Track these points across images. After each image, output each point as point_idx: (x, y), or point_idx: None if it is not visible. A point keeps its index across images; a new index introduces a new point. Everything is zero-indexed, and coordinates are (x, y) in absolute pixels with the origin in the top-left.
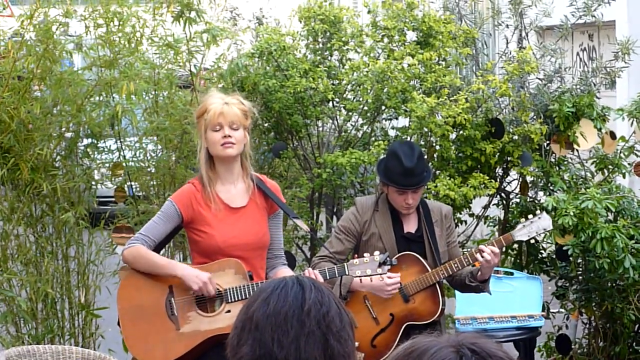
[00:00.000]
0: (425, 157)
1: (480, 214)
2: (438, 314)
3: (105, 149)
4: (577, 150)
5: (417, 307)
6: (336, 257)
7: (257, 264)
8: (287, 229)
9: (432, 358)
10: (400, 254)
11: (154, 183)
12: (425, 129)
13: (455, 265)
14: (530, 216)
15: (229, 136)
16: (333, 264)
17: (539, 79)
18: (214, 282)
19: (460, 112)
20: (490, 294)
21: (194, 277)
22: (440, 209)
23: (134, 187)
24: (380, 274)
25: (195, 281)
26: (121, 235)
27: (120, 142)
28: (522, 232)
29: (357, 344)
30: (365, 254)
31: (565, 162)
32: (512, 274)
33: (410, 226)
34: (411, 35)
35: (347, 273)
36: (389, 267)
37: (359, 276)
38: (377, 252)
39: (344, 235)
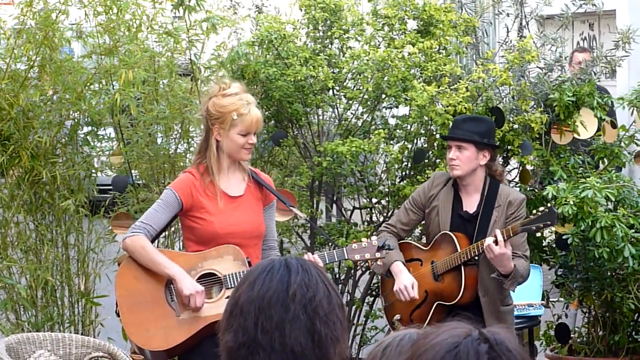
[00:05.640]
0: (426, 145)
1: None
2: (459, 297)
3: (105, 137)
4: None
5: (444, 287)
6: (397, 227)
7: (253, 253)
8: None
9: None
10: (441, 233)
11: (154, 171)
12: (426, 118)
13: (473, 250)
14: (541, 208)
15: (253, 143)
16: (394, 233)
17: (540, 67)
18: (204, 298)
19: (461, 101)
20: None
21: (189, 284)
22: (509, 194)
23: (133, 174)
24: (379, 258)
25: (188, 288)
26: (121, 224)
27: (120, 130)
28: (528, 225)
29: (399, 316)
30: (363, 239)
31: (566, 151)
32: None
33: (471, 206)
34: (412, 24)
35: (346, 257)
36: (386, 251)
37: (358, 260)
38: (374, 237)
39: (410, 206)
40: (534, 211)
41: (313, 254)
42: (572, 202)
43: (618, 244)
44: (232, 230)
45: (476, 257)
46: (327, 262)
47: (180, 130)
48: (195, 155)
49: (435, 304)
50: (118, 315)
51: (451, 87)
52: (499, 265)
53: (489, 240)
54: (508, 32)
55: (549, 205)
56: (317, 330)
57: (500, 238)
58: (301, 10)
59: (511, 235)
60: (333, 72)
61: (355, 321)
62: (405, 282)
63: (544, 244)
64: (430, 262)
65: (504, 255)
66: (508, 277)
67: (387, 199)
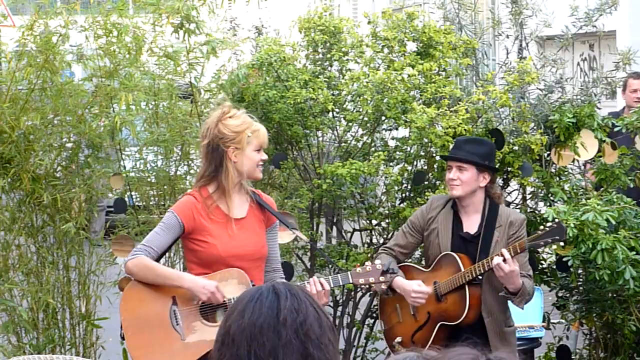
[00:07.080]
0: (425, 167)
1: None
2: (463, 317)
3: (106, 159)
4: (578, 161)
5: (448, 307)
6: (396, 251)
7: (257, 275)
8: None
9: None
10: (442, 254)
11: (154, 193)
12: (426, 140)
13: (478, 268)
14: (549, 224)
15: (265, 159)
16: (393, 256)
17: (540, 89)
18: (222, 290)
19: (461, 123)
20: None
21: (201, 288)
22: (509, 214)
23: (134, 197)
24: (383, 282)
25: (203, 292)
26: (121, 247)
27: (121, 152)
28: (536, 241)
29: (400, 338)
30: (366, 262)
31: (566, 173)
32: None
33: (471, 227)
34: (411, 46)
35: (350, 281)
36: (391, 275)
37: (362, 284)
38: (378, 261)
39: (408, 229)
40: (541, 227)
41: (313, 276)
42: (572, 225)
43: (619, 266)
44: (235, 253)
45: (480, 277)
46: (332, 285)
47: (180, 153)
48: (197, 179)
49: (438, 324)
50: (123, 338)
51: (451, 109)
52: (509, 283)
53: (497, 259)
54: (508, 53)
55: (556, 220)
56: (310, 354)
57: (507, 256)
58: (301, 32)
59: (518, 251)
60: (333, 95)
61: (355, 343)
62: (413, 287)
63: (544, 266)
64: (433, 282)
65: (513, 273)
66: (516, 294)
67: (387, 220)
